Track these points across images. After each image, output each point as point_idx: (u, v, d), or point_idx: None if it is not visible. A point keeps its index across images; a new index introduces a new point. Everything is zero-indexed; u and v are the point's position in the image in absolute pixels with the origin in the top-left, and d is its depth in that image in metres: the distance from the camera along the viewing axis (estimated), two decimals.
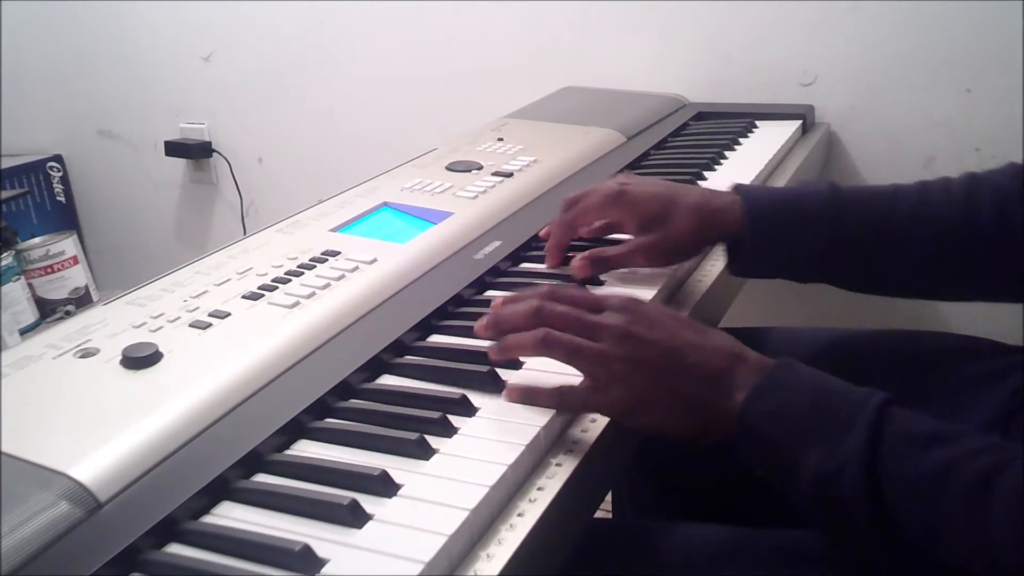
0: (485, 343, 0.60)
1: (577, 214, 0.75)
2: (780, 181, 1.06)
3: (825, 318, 1.40)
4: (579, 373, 0.56)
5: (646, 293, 0.71)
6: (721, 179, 1.01)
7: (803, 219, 0.69)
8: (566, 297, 0.58)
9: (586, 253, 0.73)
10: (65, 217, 2.00)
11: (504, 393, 0.56)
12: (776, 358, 0.54)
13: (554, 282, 0.65)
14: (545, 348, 0.55)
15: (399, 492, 0.48)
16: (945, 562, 0.45)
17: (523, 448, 0.51)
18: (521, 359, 0.61)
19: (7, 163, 1.89)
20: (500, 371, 0.59)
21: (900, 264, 0.69)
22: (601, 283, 0.74)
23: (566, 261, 0.75)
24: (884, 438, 0.47)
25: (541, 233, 0.80)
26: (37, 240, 1.51)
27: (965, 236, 0.67)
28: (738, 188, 0.72)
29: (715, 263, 0.81)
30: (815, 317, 1.39)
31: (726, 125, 1.23)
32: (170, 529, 0.46)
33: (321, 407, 0.56)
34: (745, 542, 0.61)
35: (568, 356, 0.55)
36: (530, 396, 0.56)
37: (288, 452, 0.53)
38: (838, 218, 0.68)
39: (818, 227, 0.68)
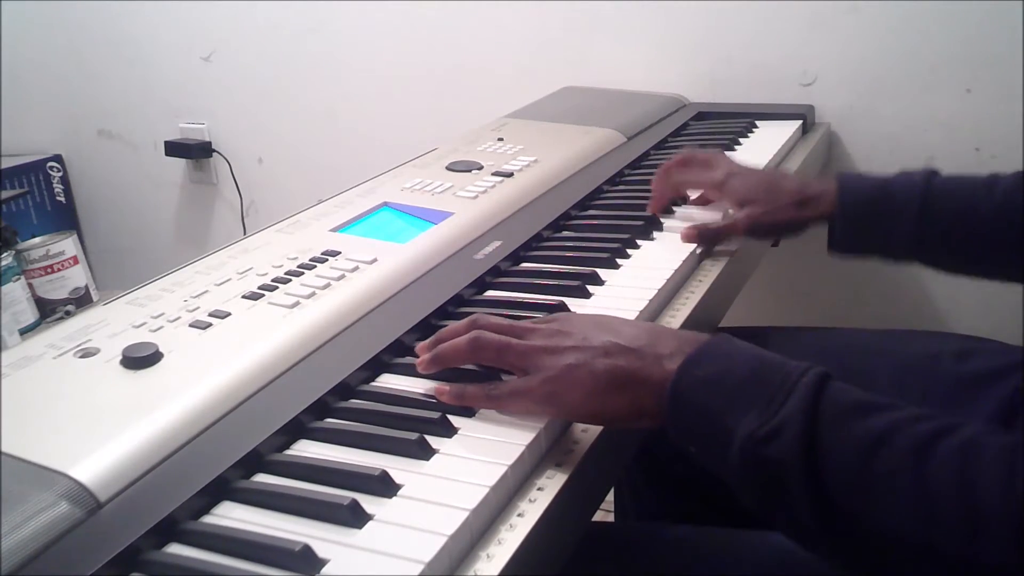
0: None
1: (683, 183, 0.86)
2: None
3: (825, 318, 1.40)
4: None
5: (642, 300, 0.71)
6: None
7: (891, 210, 0.74)
8: (493, 325, 0.58)
9: (696, 224, 0.81)
10: (65, 217, 2.00)
11: (435, 389, 0.56)
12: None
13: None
14: (475, 349, 0.56)
15: (399, 492, 0.48)
16: (880, 528, 0.43)
17: (523, 449, 0.51)
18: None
19: (7, 163, 1.89)
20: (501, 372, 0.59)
21: (984, 251, 0.73)
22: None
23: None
24: (823, 404, 0.46)
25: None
26: (37, 240, 1.50)
27: None
28: (838, 175, 0.79)
29: (715, 263, 0.81)
30: (815, 317, 1.39)
31: (726, 125, 1.23)
32: (170, 529, 0.45)
33: (321, 407, 0.56)
34: (746, 544, 0.61)
35: (496, 352, 0.56)
36: (459, 395, 0.56)
37: (288, 452, 0.53)
38: (927, 210, 0.73)
39: (905, 218, 0.74)
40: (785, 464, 0.45)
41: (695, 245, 0.80)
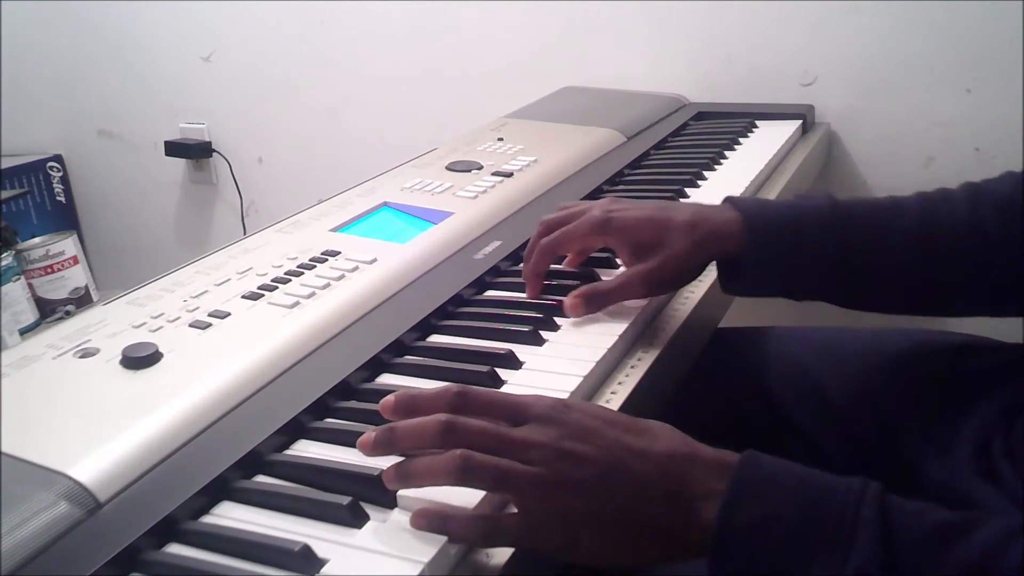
0: (486, 343, 0.59)
1: (559, 241, 0.70)
2: (780, 181, 1.06)
3: (825, 318, 1.40)
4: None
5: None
6: (721, 179, 1.01)
7: (804, 237, 0.65)
8: (479, 405, 0.48)
9: (580, 290, 0.67)
10: (65, 217, 2.00)
11: (411, 519, 0.45)
12: (741, 453, 0.46)
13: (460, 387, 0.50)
14: (465, 475, 0.44)
15: (399, 492, 0.48)
16: None
17: None
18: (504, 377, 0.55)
19: (7, 163, 1.89)
20: (501, 371, 0.59)
21: (904, 280, 0.66)
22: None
23: (544, 289, 0.71)
24: (896, 543, 0.41)
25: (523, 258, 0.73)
26: (37, 240, 1.51)
27: (972, 248, 0.64)
28: (734, 203, 0.68)
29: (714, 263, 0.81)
30: (815, 317, 1.39)
31: (726, 125, 1.23)
32: (170, 529, 0.45)
33: (321, 407, 0.56)
34: None
35: (494, 484, 0.45)
36: (442, 524, 0.45)
37: (288, 452, 0.53)
38: (840, 236, 0.65)
39: (821, 246, 0.65)
40: None
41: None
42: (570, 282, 0.72)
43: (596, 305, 0.67)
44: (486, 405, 0.48)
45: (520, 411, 0.47)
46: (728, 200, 0.69)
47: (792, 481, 0.44)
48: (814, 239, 0.65)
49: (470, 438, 0.45)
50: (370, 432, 0.48)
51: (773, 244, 0.65)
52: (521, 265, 0.78)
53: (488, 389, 0.52)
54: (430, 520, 0.45)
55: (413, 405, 0.48)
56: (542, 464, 0.45)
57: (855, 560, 0.41)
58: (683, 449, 0.47)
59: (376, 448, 0.48)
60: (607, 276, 0.74)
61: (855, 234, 0.66)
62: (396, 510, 0.47)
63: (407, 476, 0.46)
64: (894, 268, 0.66)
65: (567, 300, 0.67)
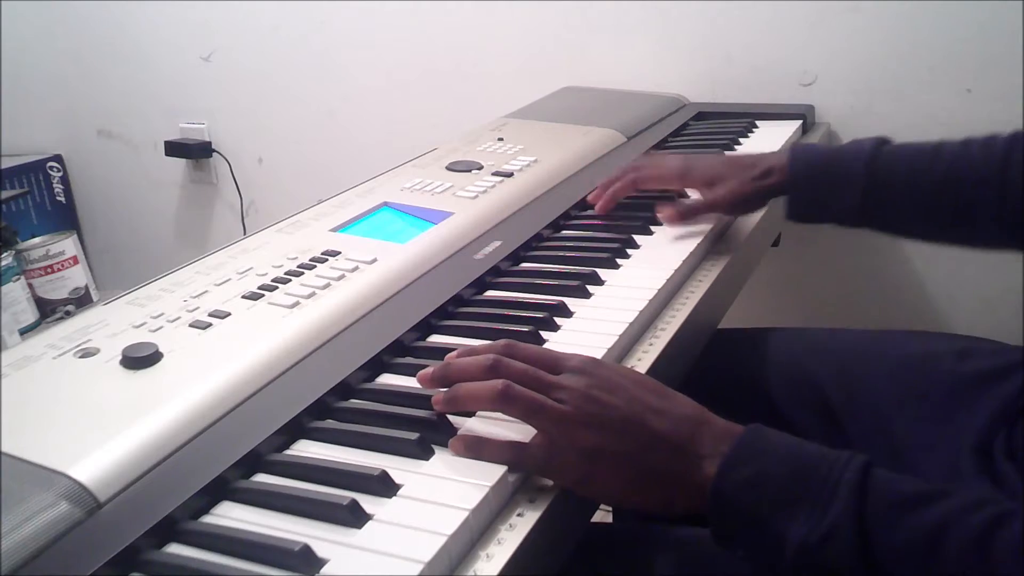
0: (485, 343, 0.59)
1: (643, 178, 0.87)
2: None
3: (825, 318, 1.40)
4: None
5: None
6: None
7: (837, 175, 0.77)
8: (523, 354, 0.54)
9: (676, 203, 0.85)
10: (65, 217, 2.00)
11: (449, 444, 0.52)
12: (748, 425, 0.52)
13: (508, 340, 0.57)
14: (503, 401, 0.51)
15: (399, 492, 0.48)
16: None
17: None
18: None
19: (7, 163, 1.89)
20: None
21: (930, 218, 0.75)
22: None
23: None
24: (870, 502, 0.46)
25: (589, 197, 0.91)
26: (37, 240, 1.51)
27: (995, 192, 0.71)
28: (793, 147, 0.82)
29: (715, 263, 0.81)
30: (815, 317, 1.39)
31: (726, 125, 1.23)
32: (170, 529, 0.46)
33: (321, 407, 0.56)
34: None
35: (527, 413, 0.51)
36: (477, 449, 0.51)
37: (288, 452, 0.53)
38: (873, 178, 0.75)
39: (852, 185, 0.76)
40: (842, 568, 0.45)
41: (694, 244, 0.80)
42: (570, 282, 0.72)
43: (687, 216, 0.84)
44: (529, 355, 0.55)
45: (558, 362, 0.54)
46: (792, 145, 0.85)
47: (787, 448, 0.50)
48: (846, 180, 0.76)
49: (512, 375, 0.52)
50: (429, 368, 0.55)
51: (810, 183, 0.79)
52: (522, 265, 0.79)
53: (531, 344, 0.58)
54: (468, 445, 0.51)
55: (470, 352, 0.56)
56: (571, 404, 0.51)
57: (832, 515, 0.46)
58: (698, 415, 0.53)
59: (433, 380, 0.55)
60: (609, 275, 0.75)
61: (888, 176, 0.75)
62: (395, 508, 0.47)
63: (454, 399, 0.53)
64: (922, 207, 0.75)
65: (665, 209, 0.84)
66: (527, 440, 0.51)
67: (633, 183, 0.87)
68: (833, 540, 0.45)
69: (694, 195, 0.88)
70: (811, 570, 0.46)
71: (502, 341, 0.56)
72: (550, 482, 0.51)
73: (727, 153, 0.87)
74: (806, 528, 0.46)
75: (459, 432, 0.53)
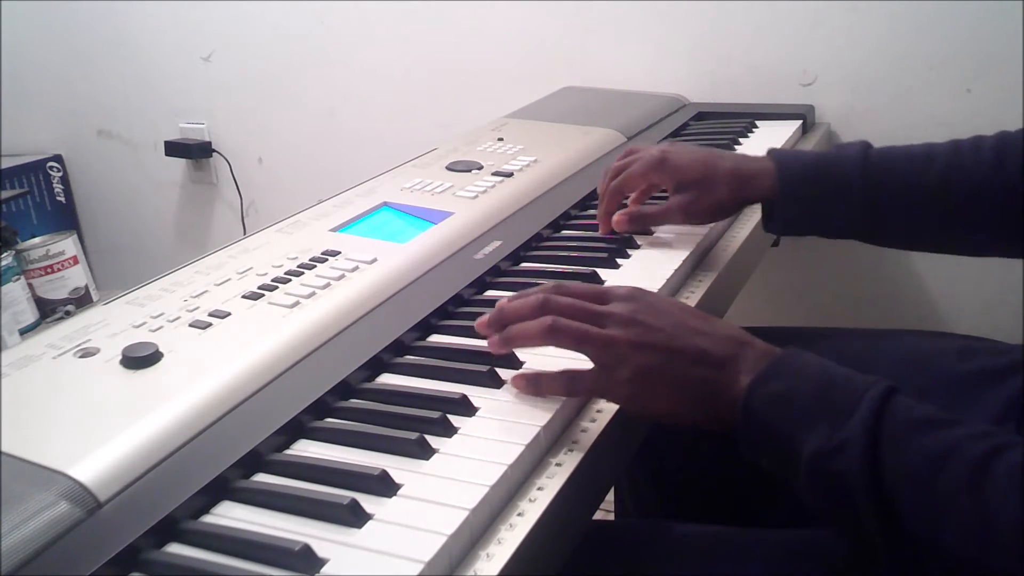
0: (485, 342, 0.59)
1: (624, 180, 0.81)
2: None
3: (825, 318, 1.40)
4: (581, 361, 0.56)
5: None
6: None
7: (833, 186, 0.74)
8: (571, 290, 0.58)
9: (627, 209, 0.80)
10: (65, 217, 2.00)
11: (511, 381, 0.57)
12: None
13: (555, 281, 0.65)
14: (552, 336, 0.55)
15: (399, 492, 0.48)
16: (944, 545, 0.44)
17: (523, 448, 0.51)
18: (521, 358, 0.60)
19: (7, 163, 1.89)
20: (500, 370, 0.59)
21: (928, 225, 0.73)
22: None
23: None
24: (884, 421, 0.47)
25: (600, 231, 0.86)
26: (37, 240, 1.51)
27: (993, 195, 0.70)
28: (772, 153, 0.78)
29: (714, 263, 0.81)
30: (815, 317, 1.39)
31: (726, 125, 1.23)
32: (170, 529, 0.46)
33: (321, 407, 0.56)
34: (746, 541, 0.61)
35: (576, 342, 0.55)
36: (536, 384, 0.56)
37: (288, 452, 0.53)
38: (868, 185, 0.73)
39: (848, 194, 0.73)
40: (849, 479, 0.47)
41: (694, 245, 0.80)
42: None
43: (639, 224, 0.80)
44: (577, 291, 0.58)
45: (606, 293, 0.58)
46: (770, 151, 0.79)
47: (820, 368, 0.52)
48: (841, 188, 0.73)
49: (560, 310, 0.56)
50: (484, 315, 0.59)
51: (801, 192, 0.75)
52: (522, 265, 0.79)
53: (578, 282, 0.62)
54: (527, 380, 0.56)
55: (521, 294, 0.59)
56: (618, 328, 0.54)
57: (847, 429, 0.47)
58: (740, 336, 0.55)
59: (489, 325, 0.58)
60: (609, 275, 0.75)
61: (883, 182, 0.73)
62: (396, 508, 0.47)
63: (507, 339, 0.57)
64: (920, 214, 0.73)
65: (615, 216, 0.80)
66: (536, 430, 0.53)
67: (619, 192, 0.82)
68: (843, 453, 0.47)
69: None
70: (821, 481, 0.48)
71: (551, 281, 0.60)
72: (549, 481, 0.51)
73: (710, 150, 0.82)
74: (822, 439, 0.48)
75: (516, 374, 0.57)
